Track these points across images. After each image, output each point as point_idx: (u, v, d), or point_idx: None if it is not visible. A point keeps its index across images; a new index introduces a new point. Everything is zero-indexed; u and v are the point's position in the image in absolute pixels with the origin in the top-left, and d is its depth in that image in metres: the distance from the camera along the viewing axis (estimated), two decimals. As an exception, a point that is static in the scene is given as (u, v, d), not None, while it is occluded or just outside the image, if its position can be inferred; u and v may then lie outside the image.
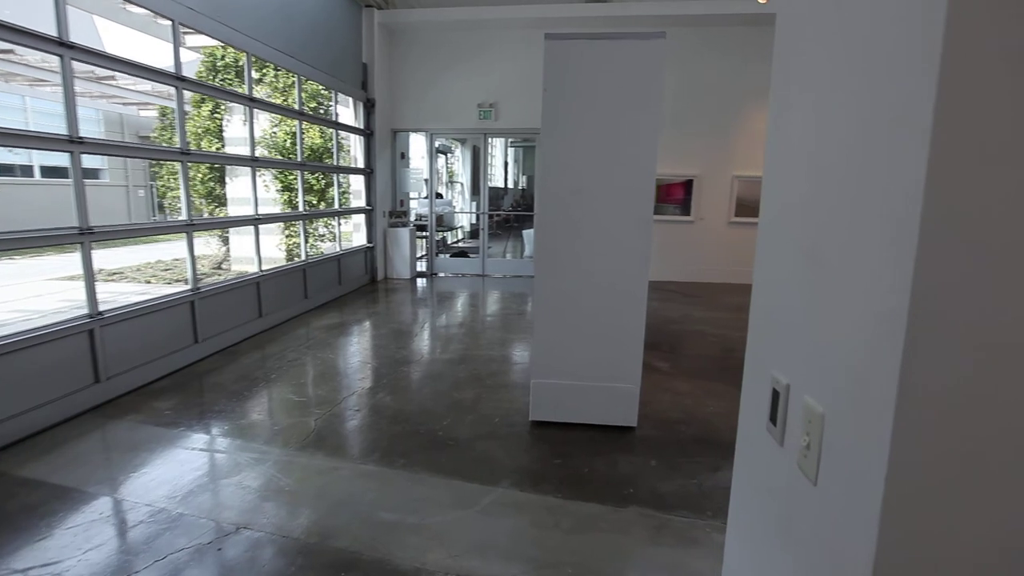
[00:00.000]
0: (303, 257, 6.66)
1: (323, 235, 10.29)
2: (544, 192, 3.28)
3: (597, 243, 3.26)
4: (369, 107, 8.31)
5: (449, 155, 15.57)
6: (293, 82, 6.55)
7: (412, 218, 9.91)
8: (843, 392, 0.76)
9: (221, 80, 8.87)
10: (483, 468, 2.94)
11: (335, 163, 7.84)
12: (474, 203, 14.36)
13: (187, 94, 4.77)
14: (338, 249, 7.77)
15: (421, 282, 8.85)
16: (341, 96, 7.98)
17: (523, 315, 6.68)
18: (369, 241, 8.62)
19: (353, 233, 9.23)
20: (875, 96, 0.69)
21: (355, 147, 8.58)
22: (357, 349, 5.30)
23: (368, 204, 8.61)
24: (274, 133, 9.51)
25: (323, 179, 9.85)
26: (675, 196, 8.81)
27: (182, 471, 2.83)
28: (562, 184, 3.23)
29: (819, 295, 0.83)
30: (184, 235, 4.56)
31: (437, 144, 9.89)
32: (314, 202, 9.96)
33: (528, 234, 10.14)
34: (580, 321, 3.35)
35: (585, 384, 3.41)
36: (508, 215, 15.09)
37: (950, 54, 0.56)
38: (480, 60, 8.62)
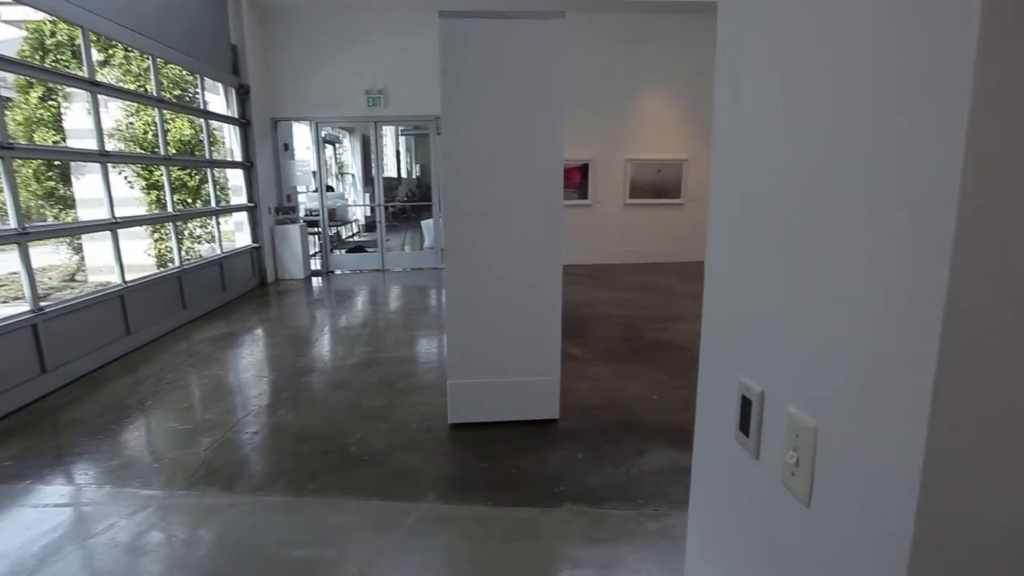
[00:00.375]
0: (177, 263, 5.91)
1: (200, 236, 9.31)
2: (449, 181, 3.07)
3: (508, 233, 3.12)
4: (243, 94, 7.54)
5: (337, 145, 14.73)
6: (150, 66, 5.73)
7: (302, 213, 9.22)
8: (843, 404, 0.66)
9: (53, 61, 7.60)
10: (404, 482, 2.72)
11: (207, 156, 7.03)
12: (367, 195, 13.73)
13: (8, 77, 3.96)
14: (219, 251, 7.01)
15: (317, 281, 8.28)
16: (210, 82, 7.15)
17: (428, 309, 6.44)
18: (255, 241, 7.89)
19: (236, 233, 8.41)
20: (880, 59, 0.58)
21: (231, 138, 7.77)
22: (250, 362, 4.79)
23: (250, 200, 7.85)
24: (131, 124, 8.39)
25: (197, 175, 8.88)
26: (573, 180, 8.93)
27: (31, 537, 2.32)
28: (468, 172, 3.04)
29: (804, 296, 0.73)
30: (15, 245, 3.80)
31: (323, 134, 9.26)
32: (189, 200, 8.95)
33: (427, 224, 9.83)
34: (495, 316, 3.20)
35: (504, 380, 3.28)
36: (404, 205, 14.63)
37: None
38: (366, 44, 8.11)
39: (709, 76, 9.16)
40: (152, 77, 5.61)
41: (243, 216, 7.89)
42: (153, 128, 7.69)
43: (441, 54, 2.90)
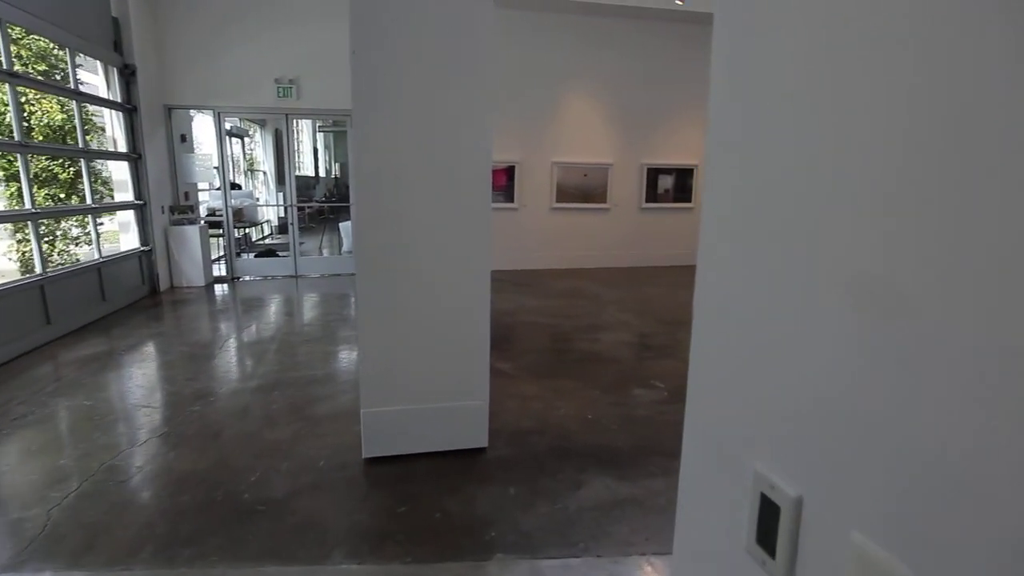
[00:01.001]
0: (39, 269, 5.04)
1: (79, 238, 8.18)
2: (362, 180, 2.67)
3: (429, 238, 2.77)
4: (128, 75, 6.63)
5: (246, 139, 13.64)
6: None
7: (203, 213, 8.33)
8: (972, 547, 0.39)
9: None
10: (307, 538, 2.29)
11: (81, 145, 6.10)
12: (280, 194, 12.78)
13: None
14: (98, 256, 6.11)
15: (220, 289, 7.47)
16: (87, 60, 6.21)
17: (346, 320, 5.93)
18: (144, 243, 6.98)
19: (121, 234, 7.42)
20: None
21: (113, 126, 6.82)
22: (131, 387, 4.10)
23: (138, 197, 6.94)
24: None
25: (71, 166, 7.77)
26: (499, 183, 8.66)
27: None
28: (383, 167, 2.66)
29: (888, 357, 0.45)
30: None
31: (228, 126, 8.42)
32: (62, 196, 7.82)
33: (345, 227, 9.21)
34: (414, 334, 2.83)
35: (426, 407, 2.91)
36: (321, 206, 13.76)
37: None
38: (276, 27, 7.41)
39: (637, 80, 9.16)
40: (0, 47, 4.72)
41: (130, 215, 6.96)
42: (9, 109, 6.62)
43: (351, 33, 2.50)
